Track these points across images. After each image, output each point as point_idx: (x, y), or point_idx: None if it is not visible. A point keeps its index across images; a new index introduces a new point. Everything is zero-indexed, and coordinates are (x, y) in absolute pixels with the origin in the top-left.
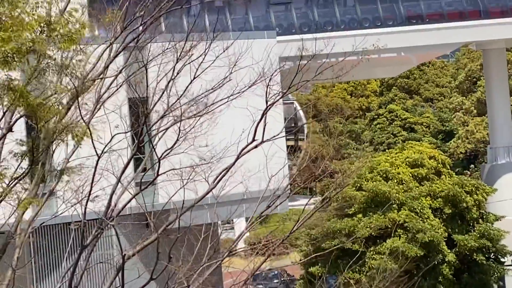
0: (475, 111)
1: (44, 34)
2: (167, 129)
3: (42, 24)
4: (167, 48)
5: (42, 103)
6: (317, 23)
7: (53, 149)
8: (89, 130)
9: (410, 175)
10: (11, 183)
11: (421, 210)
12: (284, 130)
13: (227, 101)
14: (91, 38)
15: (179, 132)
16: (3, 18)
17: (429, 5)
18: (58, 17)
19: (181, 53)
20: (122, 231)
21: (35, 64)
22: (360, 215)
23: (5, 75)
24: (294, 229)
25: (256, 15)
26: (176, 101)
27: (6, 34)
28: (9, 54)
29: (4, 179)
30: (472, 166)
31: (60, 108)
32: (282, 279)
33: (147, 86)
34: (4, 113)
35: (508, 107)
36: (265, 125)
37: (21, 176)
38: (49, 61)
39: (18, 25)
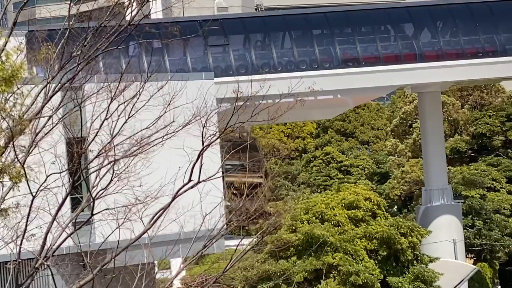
0: (409, 154)
1: None
2: (100, 169)
3: None
4: (102, 88)
5: None
6: (254, 65)
7: None
8: (24, 171)
9: (346, 216)
10: None
11: (356, 252)
12: (220, 170)
13: (162, 140)
14: (28, 78)
15: (113, 172)
16: None
17: (365, 48)
18: None
19: (115, 93)
20: (59, 271)
21: None
22: (294, 258)
23: None
24: (226, 268)
25: (194, 57)
26: (110, 141)
27: None
28: None
29: None
30: (406, 208)
31: None
32: None
33: (82, 126)
34: None
35: (443, 150)
36: (201, 166)
37: None
38: None
39: None
